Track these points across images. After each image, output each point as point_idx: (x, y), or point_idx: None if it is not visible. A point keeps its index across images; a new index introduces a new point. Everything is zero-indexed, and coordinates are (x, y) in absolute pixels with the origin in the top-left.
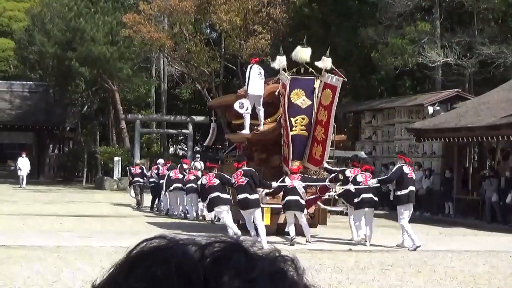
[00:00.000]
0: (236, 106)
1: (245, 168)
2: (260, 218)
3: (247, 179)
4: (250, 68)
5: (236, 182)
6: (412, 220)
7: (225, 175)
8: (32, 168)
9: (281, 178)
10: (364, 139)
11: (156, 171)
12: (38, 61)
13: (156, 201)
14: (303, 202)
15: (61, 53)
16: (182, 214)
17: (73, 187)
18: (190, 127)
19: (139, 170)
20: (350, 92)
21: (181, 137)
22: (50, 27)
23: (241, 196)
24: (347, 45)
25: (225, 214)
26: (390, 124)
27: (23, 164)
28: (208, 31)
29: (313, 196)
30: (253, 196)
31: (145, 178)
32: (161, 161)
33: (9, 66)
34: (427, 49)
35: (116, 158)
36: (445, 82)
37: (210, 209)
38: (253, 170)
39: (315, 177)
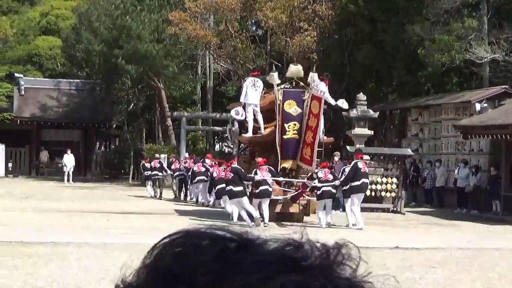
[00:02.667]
0: (233, 113)
1: (233, 165)
2: (248, 204)
3: (233, 174)
4: (245, 80)
5: (225, 176)
6: (459, 217)
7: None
8: (79, 165)
9: (254, 171)
10: (410, 136)
11: (184, 164)
12: (85, 59)
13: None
14: (270, 190)
15: (107, 51)
16: (208, 202)
17: (120, 184)
18: (236, 124)
19: (158, 165)
20: (397, 89)
21: (227, 135)
22: (97, 25)
23: (228, 188)
24: (393, 41)
25: (228, 202)
26: (436, 121)
27: (68, 161)
28: (254, 28)
29: (298, 191)
30: (237, 188)
31: (163, 172)
32: (186, 155)
33: (57, 64)
34: (474, 46)
35: (162, 155)
36: (492, 78)
37: (218, 197)
38: (239, 167)
39: (279, 173)
